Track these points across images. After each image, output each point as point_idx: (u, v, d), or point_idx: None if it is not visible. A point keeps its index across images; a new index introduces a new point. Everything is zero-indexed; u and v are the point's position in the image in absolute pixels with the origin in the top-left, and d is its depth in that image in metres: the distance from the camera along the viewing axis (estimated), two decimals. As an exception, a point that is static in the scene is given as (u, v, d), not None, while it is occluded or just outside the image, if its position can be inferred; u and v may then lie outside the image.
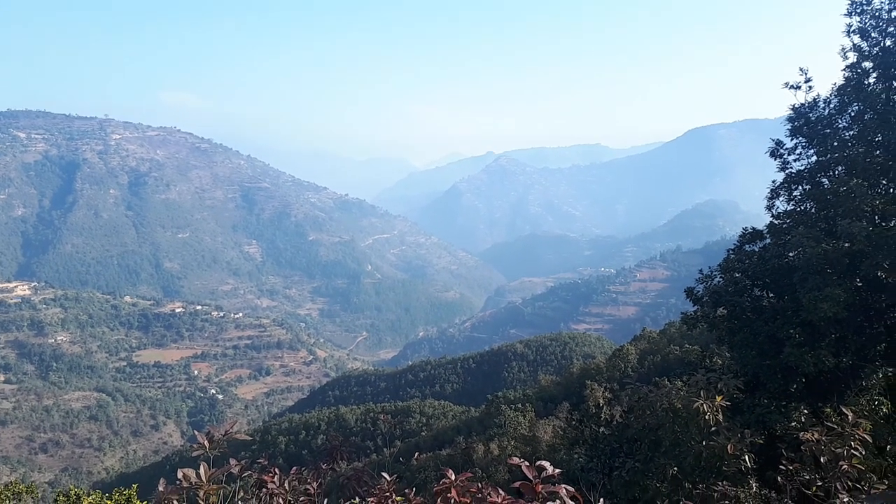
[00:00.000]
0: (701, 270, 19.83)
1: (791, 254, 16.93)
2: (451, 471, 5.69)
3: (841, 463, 7.27)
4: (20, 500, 19.87)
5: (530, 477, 4.59)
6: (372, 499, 6.16)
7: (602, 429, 15.20)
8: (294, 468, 7.05)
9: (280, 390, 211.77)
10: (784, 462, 7.95)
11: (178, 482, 4.89)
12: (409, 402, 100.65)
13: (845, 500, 6.93)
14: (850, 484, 7.12)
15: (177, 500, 4.84)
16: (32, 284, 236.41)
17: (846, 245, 14.91)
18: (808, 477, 7.76)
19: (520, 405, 57.52)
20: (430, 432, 74.79)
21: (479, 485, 5.40)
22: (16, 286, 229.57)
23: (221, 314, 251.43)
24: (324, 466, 7.84)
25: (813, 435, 7.63)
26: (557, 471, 4.73)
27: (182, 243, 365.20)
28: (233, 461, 5.73)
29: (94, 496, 19.02)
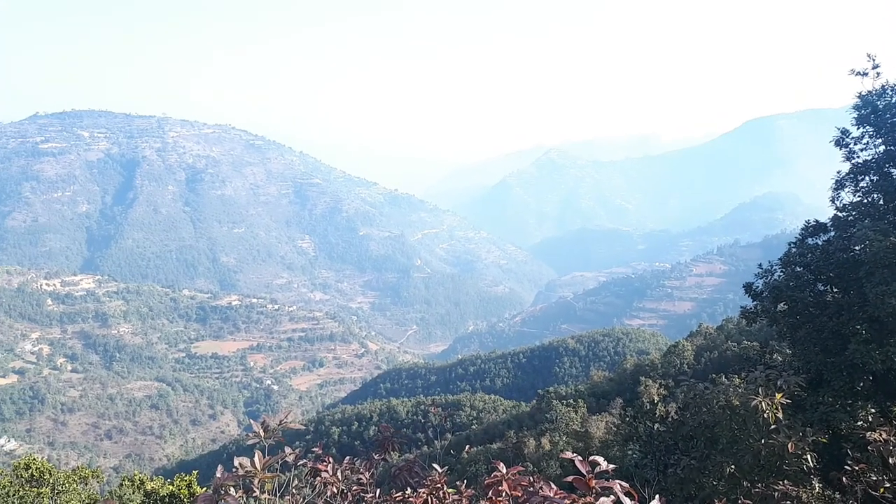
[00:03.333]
0: (760, 265, 19.22)
1: (857, 247, 16.24)
2: (502, 464, 5.68)
3: (912, 464, 6.95)
4: (87, 483, 20.79)
5: (583, 472, 4.55)
6: (423, 490, 6.21)
7: (657, 425, 14.91)
8: (347, 458, 7.16)
9: (333, 382, 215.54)
10: (849, 462, 7.65)
11: (234, 470, 4.99)
12: (460, 395, 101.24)
13: (916, 503, 6.62)
14: (921, 487, 6.80)
15: (233, 486, 4.95)
16: (96, 278, 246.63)
17: (917, 238, 14.21)
18: (875, 478, 7.45)
19: (571, 401, 57.05)
20: (480, 426, 75.06)
21: (531, 478, 5.38)
22: (81, 279, 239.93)
23: (276, 307, 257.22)
24: (376, 457, 7.92)
25: (881, 435, 7.32)
26: (611, 466, 4.67)
27: (237, 238, 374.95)
28: (287, 450, 5.85)
29: (156, 482, 19.77)
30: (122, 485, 21.87)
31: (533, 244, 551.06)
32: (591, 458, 4.70)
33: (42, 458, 21.19)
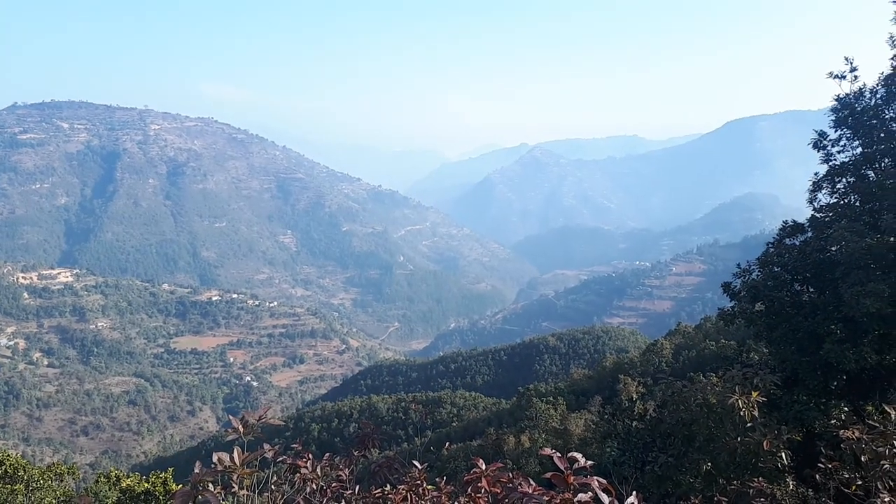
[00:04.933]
0: (739, 265, 19.44)
1: (833, 248, 16.49)
2: (481, 460, 5.72)
3: (882, 462, 7.09)
4: (62, 480, 20.53)
5: (562, 468, 4.58)
6: (403, 486, 6.23)
7: (635, 423, 15.05)
8: (327, 454, 7.17)
9: (313, 378, 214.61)
10: (823, 460, 7.78)
11: (213, 465, 4.96)
12: (440, 392, 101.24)
13: (886, 499, 6.76)
14: (891, 484, 6.94)
15: (211, 482, 4.92)
16: (74, 271, 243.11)
17: (891, 239, 14.47)
18: (847, 476, 7.59)
19: (551, 398, 57.34)
20: (460, 423, 75.14)
21: (511, 475, 5.42)
22: (59, 273, 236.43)
23: (257, 303, 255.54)
24: (356, 453, 7.94)
25: (854, 433, 7.46)
26: (589, 463, 4.71)
27: (219, 232, 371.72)
28: (266, 446, 5.77)
29: (132, 478, 19.57)
30: (97, 481, 21.63)
31: (516, 242, 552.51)
32: (570, 454, 4.75)
33: (16, 454, 20.90)
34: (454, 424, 75.47)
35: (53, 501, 18.82)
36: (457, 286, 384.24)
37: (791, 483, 8.95)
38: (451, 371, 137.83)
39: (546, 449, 4.88)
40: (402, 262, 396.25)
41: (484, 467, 5.60)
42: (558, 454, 4.69)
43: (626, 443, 14.43)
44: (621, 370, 56.47)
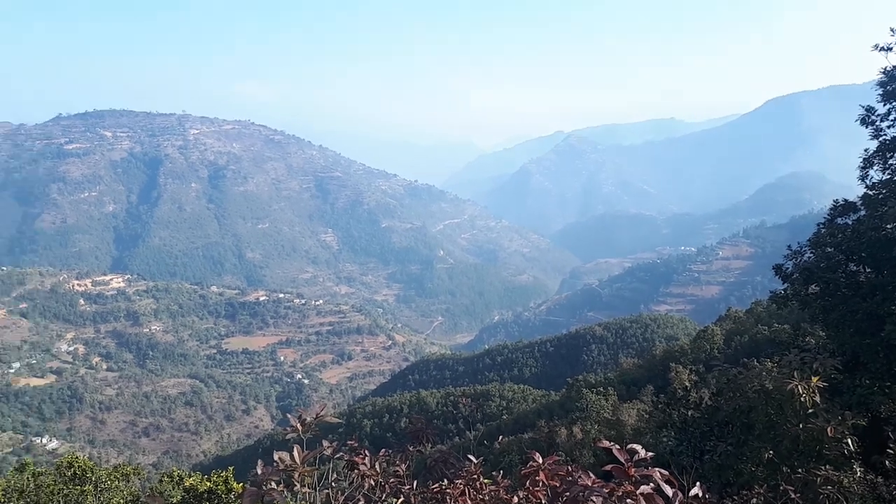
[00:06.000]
0: (789, 246, 18.96)
1: (889, 226, 15.92)
2: (538, 454, 5.69)
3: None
4: (129, 480, 21.22)
5: (622, 460, 4.53)
6: (460, 481, 6.25)
7: (690, 412, 14.79)
8: (382, 450, 7.23)
9: (362, 374, 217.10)
10: (892, 446, 7.52)
11: (274, 464, 5.06)
12: (488, 385, 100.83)
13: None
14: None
15: (275, 481, 5.02)
16: (126, 277, 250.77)
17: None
18: (919, 461, 7.32)
19: (601, 388, 56.80)
20: (510, 416, 74.85)
21: (569, 468, 5.38)
22: (111, 279, 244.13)
23: (303, 301, 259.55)
24: (410, 449, 8.00)
25: (924, 417, 7.18)
26: (649, 454, 4.65)
27: (262, 233, 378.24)
28: (325, 443, 5.91)
29: (194, 477, 20.08)
30: (161, 481, 22.27)
31: (555, 231, 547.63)
32: (629, 445, 4.70)
33: (83, 456, 21.62)
34: (504, 417, 75.32)
35: (121, 501, 19.42)
36: (498, 278, 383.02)
37: (859, 470, 8.68)
38: (498, 364, 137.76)
39: (604, 441, 4.83)
40: (442, 256, 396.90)
41: (541, 460, 5.58)
42: (617, 446, 4.65)
43: (682, 432, 14.20)
44: (672, 358, 55.49)
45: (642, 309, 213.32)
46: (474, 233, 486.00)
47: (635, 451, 4.64)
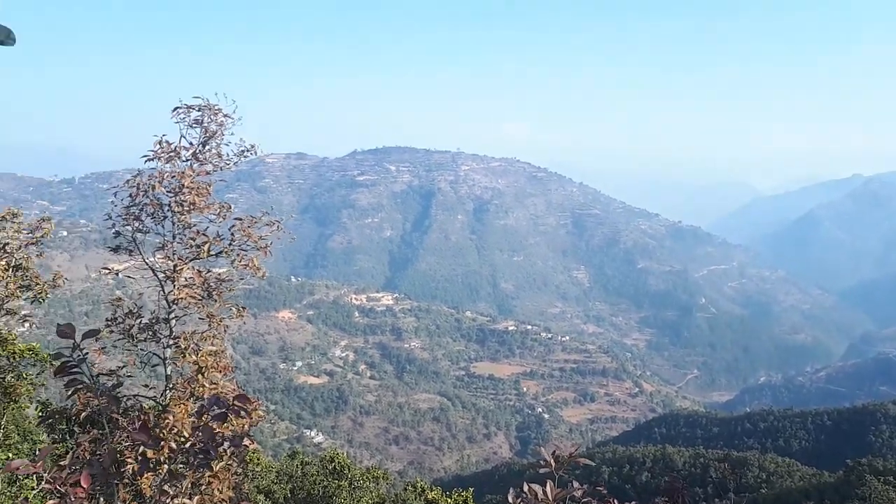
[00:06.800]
0: None
1: None
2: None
3: None
4: (378, 483, 22.20)
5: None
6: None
7: None
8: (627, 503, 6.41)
9: (604, 419, 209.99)
10: None
11: (524, 495, 5.01)
12: (746, 452, 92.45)
13: None
14: None
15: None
16: (395, 295, 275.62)
17: None
18: None
19: (892, 478, 47.31)
20: (770, 490, 67.11)
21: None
22: (382, 296, 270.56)
23: (549, 335, 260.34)
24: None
25: None
26: None
27: (516, 266, 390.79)
28: (575, 483, 5.50)
29: (435, 491, 20.18)
30: (405, 489, 22.87)
31: (844, 288, 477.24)
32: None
33: (343, 453, 23.08)
34: (763, 491, 67.55)
35: (370, 502, 20.27)
36: (768, 335, 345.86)
37: None
38: (760, 430, 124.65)
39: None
40: (703, 304, 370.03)
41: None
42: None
43: None
44: None
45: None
46: (743, 282, 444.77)
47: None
